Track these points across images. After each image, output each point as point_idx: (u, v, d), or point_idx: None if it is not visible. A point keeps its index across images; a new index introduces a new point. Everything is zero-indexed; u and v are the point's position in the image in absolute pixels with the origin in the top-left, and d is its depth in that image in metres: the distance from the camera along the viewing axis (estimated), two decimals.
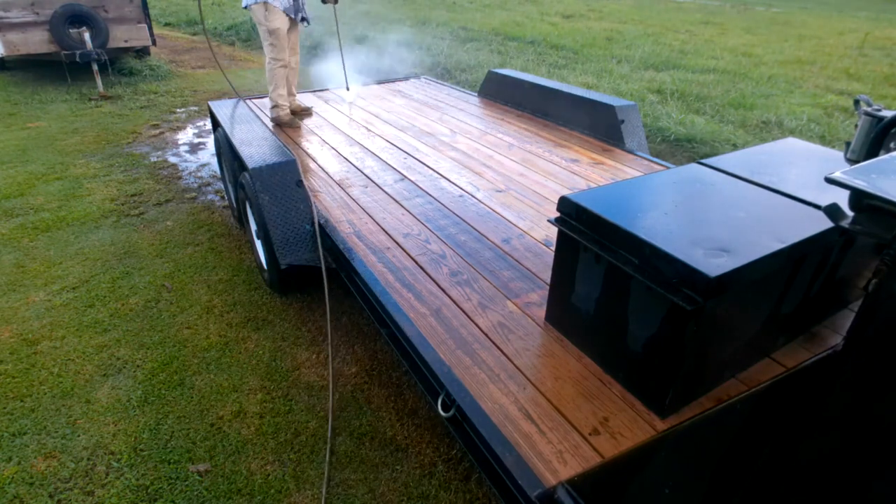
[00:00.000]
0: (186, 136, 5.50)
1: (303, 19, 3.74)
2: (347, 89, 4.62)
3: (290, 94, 4.01)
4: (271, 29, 3.59)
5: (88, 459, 2.02)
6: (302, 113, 4.15)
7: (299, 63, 4.11)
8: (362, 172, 3.13)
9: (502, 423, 1.49)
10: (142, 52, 8.12)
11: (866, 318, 0.99)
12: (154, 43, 7.85)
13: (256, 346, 2.58)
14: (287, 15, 3.60)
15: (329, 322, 2.44)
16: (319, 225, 2.57)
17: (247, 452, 2.05)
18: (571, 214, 1.66)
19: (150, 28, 7.63)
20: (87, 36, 6.72)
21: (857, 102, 1.70)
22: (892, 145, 1.58)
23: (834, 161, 1.97)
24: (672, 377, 1.45)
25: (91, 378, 2.38)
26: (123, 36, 7.23)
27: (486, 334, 1.84)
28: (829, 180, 1.00)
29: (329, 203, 2.76)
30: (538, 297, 2.02)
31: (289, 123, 3.86)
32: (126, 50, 7.68)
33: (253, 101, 4.43)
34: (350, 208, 2.72)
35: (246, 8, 3.57)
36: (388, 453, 2.05)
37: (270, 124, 3.93)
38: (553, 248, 1.80)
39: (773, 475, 1.36)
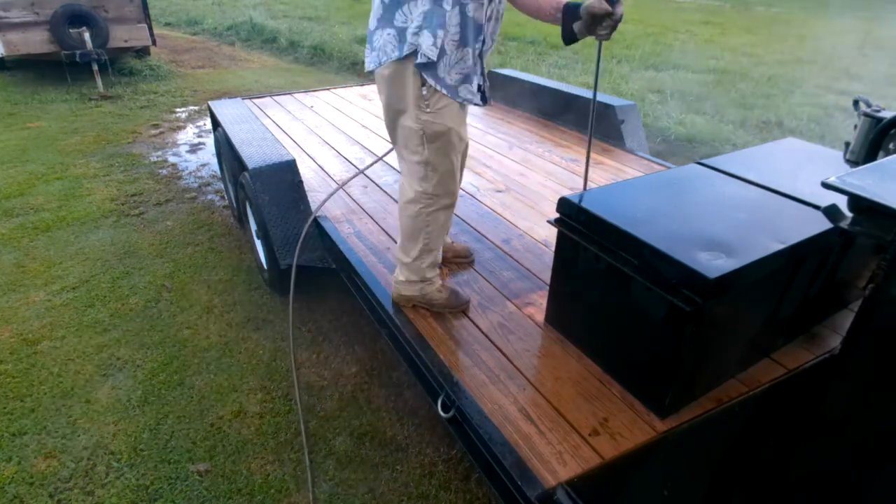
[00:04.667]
0: (186, 135, 5.50)
1: (483, 98, 1.73)
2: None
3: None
4: (433, 131, 1.69)
5: (88, 459, 2.02)
6: (460, 260, 2.29)
7: None
8: (362, 172, 3.13)
9: (502, 424, 1.49)
10: (142, 52, 8.11)
11: (863, 321, 0.99)
12: (154, 43, 7.83)
13: (256, 346, 2.58)
14: (466, 104, 1.74)
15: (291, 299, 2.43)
16: (319, 225, 2.57)
17: (247, 452, 2.05)
18: (571, 215, 1.66)
19: (150, 28, 7.62)
20: (87, 36, 6.71)
21: (856, 103, 1.70)
22: (891, 146, 1.58)
23: (834, 161, 1.97)
24: (672, 378, 1.45)
25: (91, 378, 2.38)
26: (123, 36, 7.22)
27: (485, 335, 1.84)
28: (826, 185, 1.01)
29: (329, 203, 2.76)
30: (538, 298, 2.02)
31: (450, 304, 1.97)
32: (126, 50, 7.66)
33: (253, 100, 4.43)
34: (350, 208, 2.72)
35: (373, 72, 1.75)
36: (388, 453, 2.06)
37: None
38: (553, 248, 1.81)
39: (773, 476, 1.36)
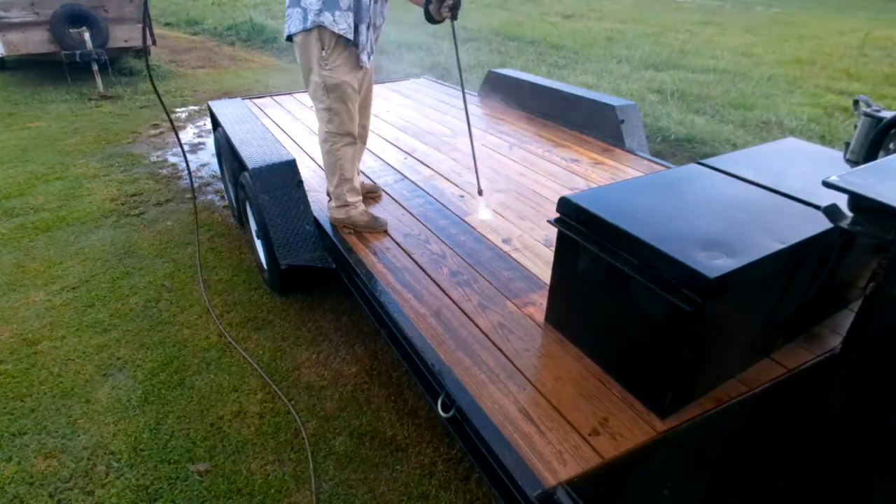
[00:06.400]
0: (186, 135, 5.50)
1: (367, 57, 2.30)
2: (480, 193, 2.64)
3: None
4: (331, 84, 2.19)
5: (88, 459, 2.02)
6: (370, 196, 2.80)
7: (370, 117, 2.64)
8: (362, 172, 3.13)
9: (502, 424, 1.49)
10: (142, 52, 8.12)
11: (863, 321, 0.99)
12: (154, 43, 7.83)
13: (256, 346, 2.58)
14: (361, 56, 2.21)
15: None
16: (317, 223, 2.57)
17: (247, 452, 2.05)
18: (571, 215, 1.66)
19: (151, 28, 7.62)
20: (87, 36, 6.72)
21: (856, 103, 1.70)
22: (891, 146, 1.58)
23: (834, 161, 1.97)
24: (672, 378, 1.45)
25: (91, 378, 2.38)
26: (123, 36, 7.22)
27: (486, 335, 1.84)
28: (827, 184, 1.00)
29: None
30: (538, 298, 2.02)
31: (370, 225, 2.48)
32: (126, 50, 7.67)
33: (253, 100, 4.43)
34: None
35: (289, 39, 2.23)
36: (388, 453, 2.06)
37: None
38: (553, 248, 1.81)
39: (773, 476, 1.36)
